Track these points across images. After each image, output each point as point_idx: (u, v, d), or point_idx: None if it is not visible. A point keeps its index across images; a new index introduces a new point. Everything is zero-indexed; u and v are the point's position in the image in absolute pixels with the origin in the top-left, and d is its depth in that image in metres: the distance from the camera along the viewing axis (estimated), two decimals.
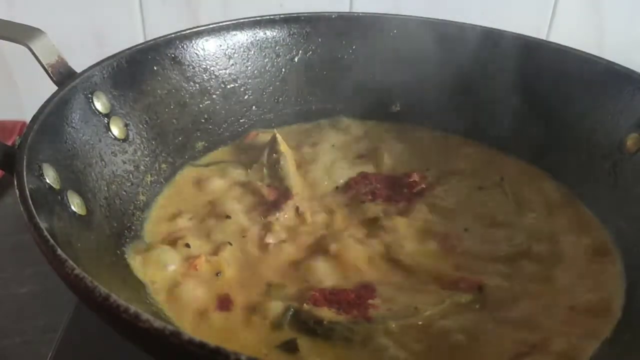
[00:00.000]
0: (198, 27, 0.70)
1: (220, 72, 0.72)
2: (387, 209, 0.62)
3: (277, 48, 0.75)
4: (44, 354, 0.55)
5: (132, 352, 0.38)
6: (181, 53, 0.69)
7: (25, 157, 0.46)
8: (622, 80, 0.63)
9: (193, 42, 0.69)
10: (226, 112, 0.74)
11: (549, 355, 0.47)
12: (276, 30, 0.75)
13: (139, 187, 0.62)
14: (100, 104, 0.59)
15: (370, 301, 0.51)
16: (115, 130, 0.61)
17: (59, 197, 0.49)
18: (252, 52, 0.74)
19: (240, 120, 0.75)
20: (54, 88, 0.56)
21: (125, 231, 0.57)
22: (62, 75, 0.58)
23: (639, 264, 0.55)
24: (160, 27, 0.71)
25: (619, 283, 0.54)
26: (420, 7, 0.81)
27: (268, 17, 0.74)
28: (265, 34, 0.74)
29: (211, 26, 0.71)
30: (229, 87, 0.73)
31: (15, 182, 0.44)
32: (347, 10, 0.76)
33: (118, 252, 0.54)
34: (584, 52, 0.67)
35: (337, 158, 0.70)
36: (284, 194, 0.64)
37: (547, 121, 0.68)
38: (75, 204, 0.51)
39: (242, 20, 0.73)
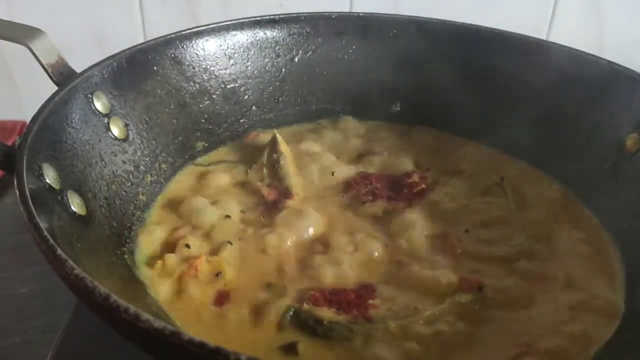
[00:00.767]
0: (198, 27, 0.70)
1: (220, 72, 0.72)
2: (387, 209, 0.62)
3: (277, 48, 0.75)
4: (44, 354, 0.55)
5: (132, 352, 0.38)
6: (181, 53, 0.69)
7: (25, 157, 0.46)
8: (622, 80, 0.63)
9: (193, 42, 0.69)
10: (226, 112, 0.74)
11: (548, 356, 0.47)
12: (276, 30, 0.75)
13: (139, 187, 0.62)
14: (100, 104, 0.59)
15: (370, 301, 0.51)
16: (115, 130, 0.61)
17: (59, 197, 0.49)
18: (252, 52, 0.74)
19: (240, 120, 0.75)
20: (54, 88, 0.56)
21: (125, 231, 0.57)
22: (62, 75, 0.58)
23: (639, 264, 0.55)
24: (160, 27, 0.71)
25: (619, 283, 0.54)
26: (420, 7, 0.81)
27: (268, 17, 0.74)
28: (265, 34, 0.74)
29: (211, 26, 0.71)
30: (229, 87, 0.73)
31: (15, 182, 0.44)
32: (347, 10, 0.76)
33: (118, 252, 0.54)
34: (584, 52, 0.67)
35: (337, 158, 0.70)
36: (284, 193, 0.64)
37: (547, 121, 0.68)
38: (75, 204, 0.51)
39: (242, 20, 0.73)
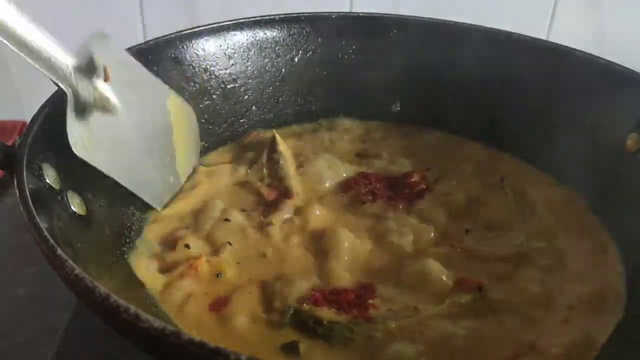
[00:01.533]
0: (198, 27, 0.70)
1: (220, 72, 0.72)
2: (387, 209, 0.62)
3: (277, 48, 0.75)
4: (44, 354, 0.55)
5: (132, 352, 0.38)
6: (181, 53, 0.69)
7: (25, 157, 0.46)
8: (622, 80, 0.63)
9: (193, 42, 0.69)
10: (226, 112, 0.74)
11: (548, 356, 0.47)
12: (276, 30, 0.75)
13: None
14: None
15: (370, 301, 0.51)
16: None
17: (59, 197, 0.49)
18: (252, 52, 0.74)
19: (240, 120, 0.75)
20: (54, 88, 0.56)
21: (125, 231, 0.57)
22: None
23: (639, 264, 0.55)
24: (160, 27, 0.71)
25: (619, 283, 0.54)
26: (420, 7, 0.81)
27: (268, 17, 0.74)
28: (265, 34, 0.74)
29: (211, 26, 0.71)
30: (229, 87, 0.73)
31: (15, 182, 0.44)
32: (347, 10, 0.76)
33: (118, 252, 0.54)
34: (584, 52, 0.67)
35: (337, 158, 0.70)
36: (284, 193, 0.64)
37: (547, 121, 0.68)
38: (75, 204, 0.51)
39: (242, 20, 0.73)
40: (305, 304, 0.50)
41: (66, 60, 0.51)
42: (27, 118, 0.52)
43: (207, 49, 0.71)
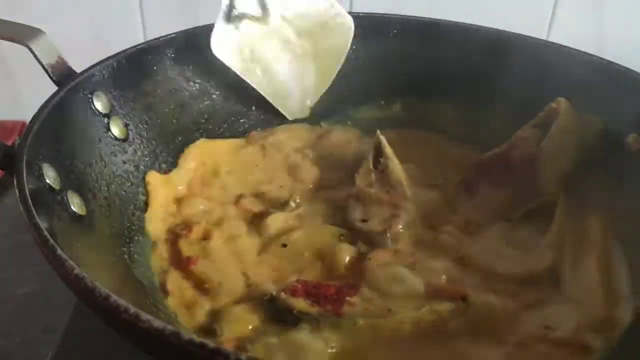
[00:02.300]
0: (198, 27, 0.70)
1: (221, 72, 0.72)
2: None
3: None
4: (44, 354, 0.55)
5: (132, 352, 0.38)
6: (181, 53, 0.69)
7: (25, 157, 0.46)
8: (622, 80, 0.63)
9: (193, 42, 0.69)
10: (226, 112, 0.74)
11: None
12: None
13: (139, 187, 0.62)
14: (100, 104, 0.59)
15: (348, 298, 0.51)
16: (115, 130, 0.61)
17: (59, 197, 0.49)
18: None
19: (240, 120, 0.75)
20: (54, 88, 0.56)
21: (125, 231, 0.57)
22: (62, 75, 0.58)
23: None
24: (160, 27, 0.71)
25: (624, 283, 0.53)
26: (420, 7, 0.81)
27: None
28: None
29: (211, 26, 0.71)
30: (229, 87, 0.73)
31: (15, 182, 0.44)
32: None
33: (118, 252, 0.54)
34: (584, 52, 0.67)
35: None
36: (397, 200, 0.60)
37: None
38: (75, 204, 0.51)
39: None
40: (283, 293, 0.50)
41: None
42: (27, 118, 0.52)
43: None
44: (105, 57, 0.62)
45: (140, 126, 0.64)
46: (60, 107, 0.54)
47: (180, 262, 0.55)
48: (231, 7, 0.54)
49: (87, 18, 0.89)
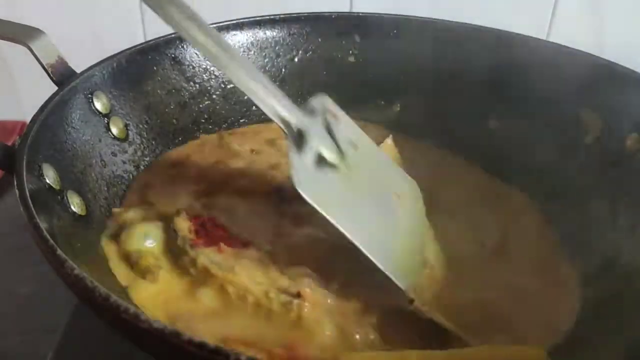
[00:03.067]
0: None
1: (220, 72, 0.72)
2: None
3: (277, 48, 0.75)
4: (44, 354, 0.55)
5: (132, 352, 0.38)
6: (181, 53, 0.69)
7: (25, 157, 0.46)
8: (622, 80, 0.63)
9: None
10: (226, 112, 0.74)
11: None
12: (276, 30, 0.75)
13: None
14: (100, 104, 0.59)
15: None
16: (115, 130, 0.61)
17: (59, 197, 0.49)
18: (252, 52, 0.74)
19: (241, 121, 0.75)
20: (54, 88, 0.56)
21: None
22: (62, 75, 0.58)
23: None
24: (160, 27, 0.70)
25: None
26: (420, 7, 0.81)
27: (268, 17, 0.74)
28: (265, 33, 0.74)
29: (211, 26, 0.71)
30: (229, 87, 0.73)
31: (15, 182, 0.44)
32: (347, 10, 0.76)
33: None
34: (584, 52, 0.67)
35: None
36: None
37: (547, 122, 0.68)
38: (75, 204, 0.51)
39: (242, 20, 0.73)
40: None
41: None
42: (27, 118, 0.52)
43: None
44: (105, 57, 0.62)
45: (140, 126, 0.64)
46: (60, 107, 0.54)
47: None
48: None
49: (87, 18, 0.89)
